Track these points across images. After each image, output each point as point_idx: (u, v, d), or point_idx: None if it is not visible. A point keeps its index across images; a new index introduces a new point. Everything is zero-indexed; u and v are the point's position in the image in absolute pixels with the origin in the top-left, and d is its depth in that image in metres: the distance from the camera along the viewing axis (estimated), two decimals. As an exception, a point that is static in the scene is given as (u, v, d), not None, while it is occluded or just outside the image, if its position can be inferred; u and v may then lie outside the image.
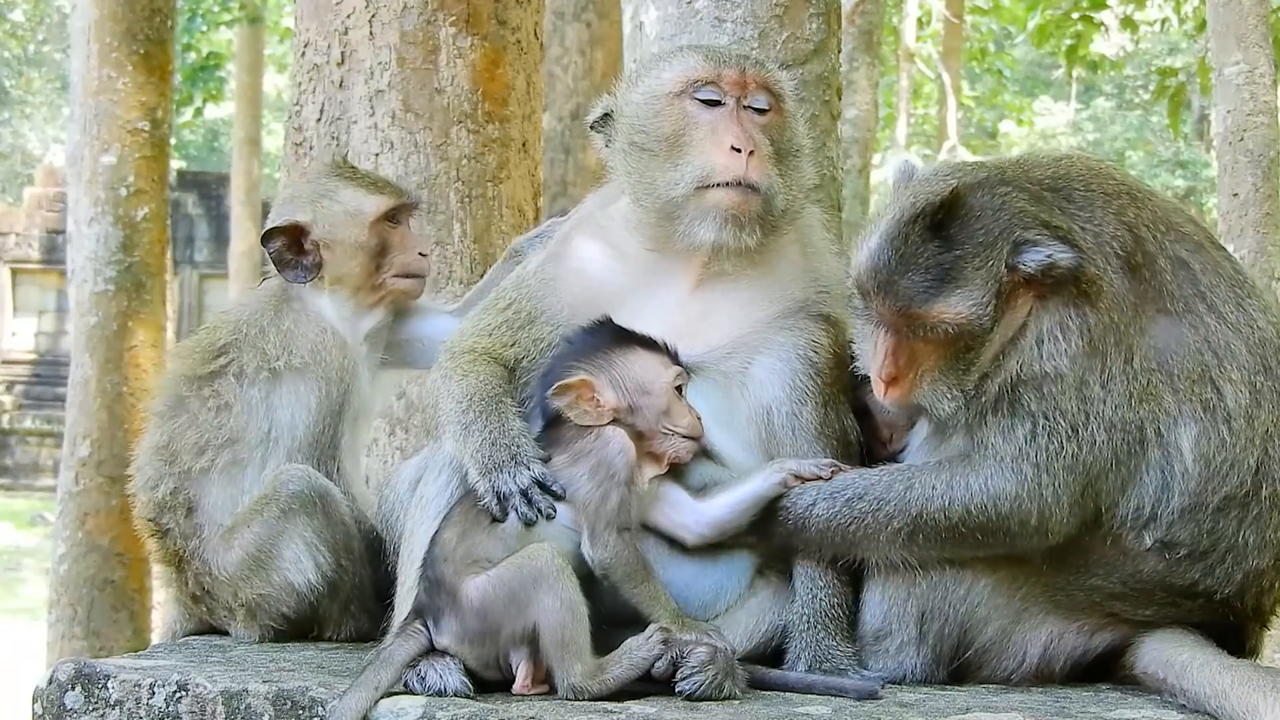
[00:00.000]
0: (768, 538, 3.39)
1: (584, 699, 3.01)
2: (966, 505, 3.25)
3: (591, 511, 3.19)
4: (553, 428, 3.35)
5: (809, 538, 3.37)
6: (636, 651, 3.05)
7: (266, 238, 4.04)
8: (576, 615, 3.05)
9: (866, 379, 3.71)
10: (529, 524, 3.17)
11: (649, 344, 3.37)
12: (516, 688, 3.08)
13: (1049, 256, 3.25)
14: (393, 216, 4.12)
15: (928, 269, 3.29)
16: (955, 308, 3.28)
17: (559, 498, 3.20)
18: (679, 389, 3.36)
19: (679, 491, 3.35)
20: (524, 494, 3.21)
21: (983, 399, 3.31)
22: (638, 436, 3.29)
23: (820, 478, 3.33)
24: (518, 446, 3.31)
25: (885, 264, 3.31)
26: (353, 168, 4.29)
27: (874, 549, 3.35)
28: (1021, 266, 3.26)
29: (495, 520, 3.20)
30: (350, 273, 4.06)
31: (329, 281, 4.05)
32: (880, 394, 3.43)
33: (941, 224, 3.30)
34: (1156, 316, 3.30)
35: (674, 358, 3.38)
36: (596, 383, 3.30)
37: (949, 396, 3.34)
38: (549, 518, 3.18)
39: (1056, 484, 3.22)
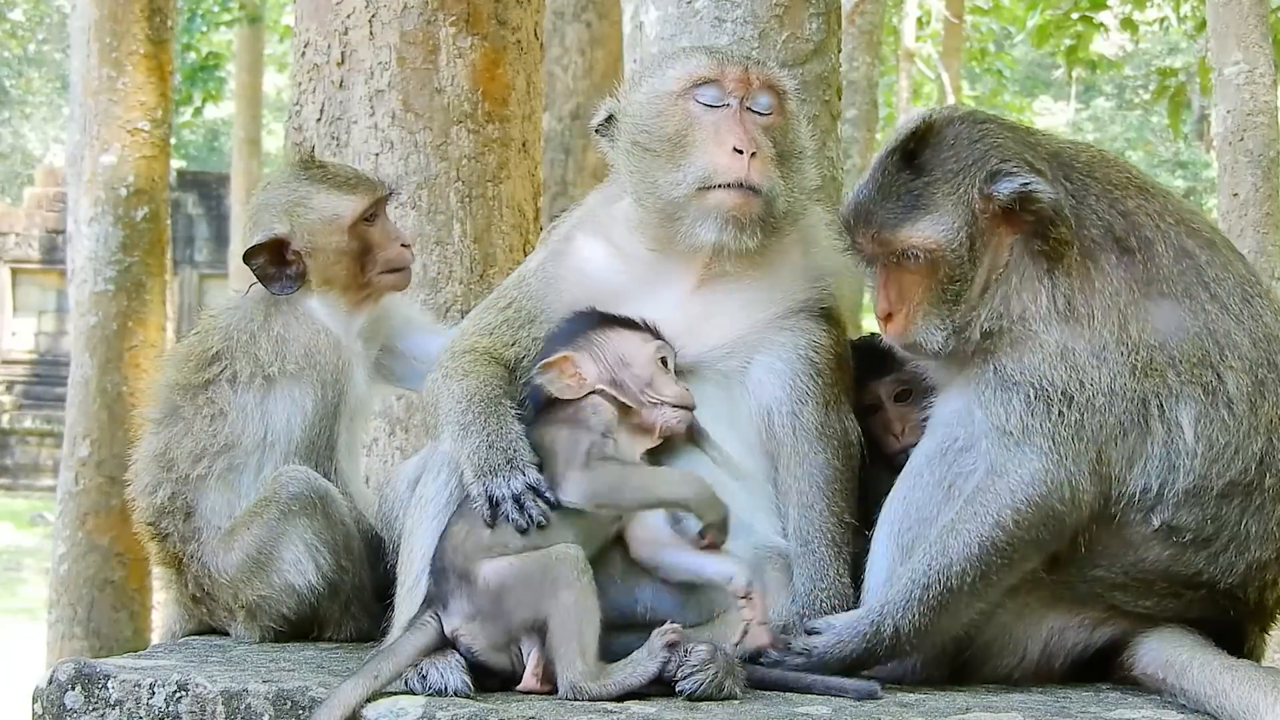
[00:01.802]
0: (872, 667, 3.30)
1: (583, 699, 3.01)
2: (1015, 506, 3.22)
3: (561, 460, 3.22)
4: (543, 411, 3.37)
5: (903, 652, 3.30)
6: (643, 658, 3.05)
7: (248, 256, 4.00)
8: (589, 616, 3.05)
9: (872, 377, 3.74)
10: (521, 530, 3.15)
11: (627, 323, 3.40)
12: (526, 677, 3.07)
13: (1025, 185, 3.28)
14: (369, 215, 4.08)
15: (899, 196, 3.36)
16: (924, 233, 3.33)
17: (552, 505, 3.19)
18: (663, 362, 3.37)
19: (660, 519, 3.31)
20: (516, 499, 3.18)
21: (969, 342, 3.34)
22: (623, 409, 3.32)
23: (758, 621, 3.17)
24: (514, 451, 3.29)
25: (865, 196, 3.40)
26: (321, 166, 4.19)
27: (960, 618, 3.27)
28: (996, 194, 3.30)
29: (487, 525, 3.20)
30: (337, 276, 4.03)
31: (316, 285, 4.02)
32: (883, 333, 3.50)
33: (914, 152, 3.38)
34: (1155, 297, 3.31)
35: (655, 334, 3.40)
36: (576, 357, 3.33)
37: (939, 329, 3.37)
38: (540, 526, 3.16)
39: (1074, 452, 3.22)
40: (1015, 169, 3.31)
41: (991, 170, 3.32)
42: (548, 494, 3.20)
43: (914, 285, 3.39)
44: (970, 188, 3.33)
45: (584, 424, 3.29)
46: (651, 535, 3.29)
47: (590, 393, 3.33)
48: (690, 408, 3.38)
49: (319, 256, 4.01)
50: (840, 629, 3.30)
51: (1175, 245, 3.37)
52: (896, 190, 3.37)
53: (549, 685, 3.08)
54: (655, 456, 3.40)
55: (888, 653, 3.29)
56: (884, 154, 3.43)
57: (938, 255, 3.34)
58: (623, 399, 3.33)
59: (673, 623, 3.13)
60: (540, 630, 3.06)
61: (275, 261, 4.01)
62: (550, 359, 3.35)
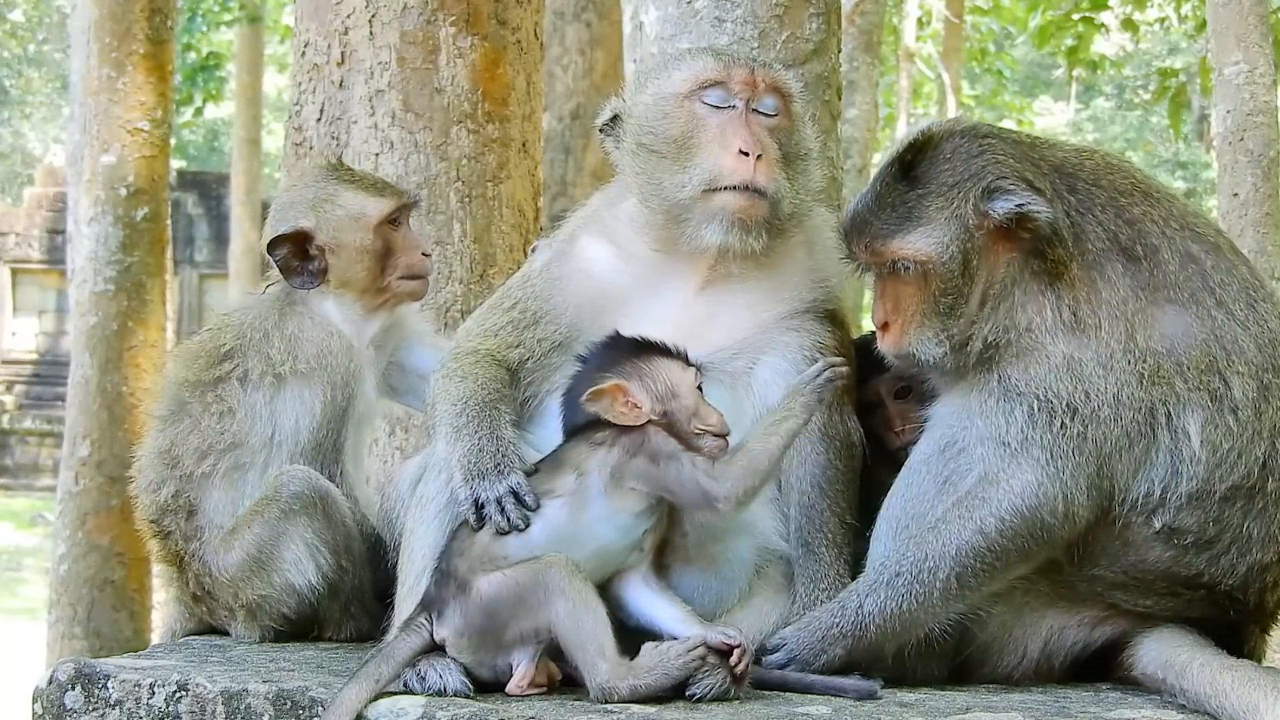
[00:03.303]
0: (830, 660, 3.28)
1: (614, 700, 2.99)
2: (1000, 516, 3.23)
3: (677, 481, 3.19)
4: (583, 431, 3.30)
5: (872, 640, 3.27)
6: (673, 661, 3.03)
7: (272, 246, 4.03)
8: (593, 615, 3.04)
9: (873, 374, 3.75)
10: (502, 533, 3.16)
11: (665, 350, 3.36)
12: (511, 687, 3.07)
13: (1020, 206, 3.29)
14: (394, 218, 4.11)
15: (894, 207, 3.39)
16: (915, 244, 3.35)
17: (531, 509, 3.19)
18: (700, 389, 3.35)
19: (648, 570, 3.28)
20: (498, 503, 3.19)
21: (969, 355, 3.35)
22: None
23: (729, 644, 3.07)
24: (503, 455, 3.30)
25: (862, 206, 3.45)
26: (350, 169, 4.26)
27: (934, 615, 3.27)
28: (991, 212, 3.30)
29: (472, 529, 3.20)
30: (356, 276, 4.05)
31: (334, 285, 4.04)
32: (880, 343, 3.50)
33: (912, 164, 3.40)
34: (1163, 304, 3.32)
35: (687, 359, 3.36)
36: (629, 386, 3.27)
37: (935, 342, 3.38)
38: (520, 530, 3.16)
39: (1072, 465, 3.22)
40: (1012, 186, 3.31)
41: (988, 187, 3.32)
42: (528, 498, 3.20)
43: (909, 296, 3.41)
44: (964, 203, 3.34)
45: (663, 452, 3.22)
46: (631, 581, 3.25)
47: (647, 422, 3.26)
48: (729, 434, 3.35)
49: (341, 254, 4.02)
50: (797, 627, 3.31)
51: (1181, 251, 3.37)
52: (891, 201, 3.39)
53: (542, 689, 3.08)
54: None
55: (857, 639, 3.26)
56: (884, 164, 3.45)
57: (929, 267, 3.35)
58: (671, 430, 3.28)
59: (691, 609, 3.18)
60: (536, 640, 3.06)
61: (297, 255, 4.02)
62: (601, 387, 3.27)
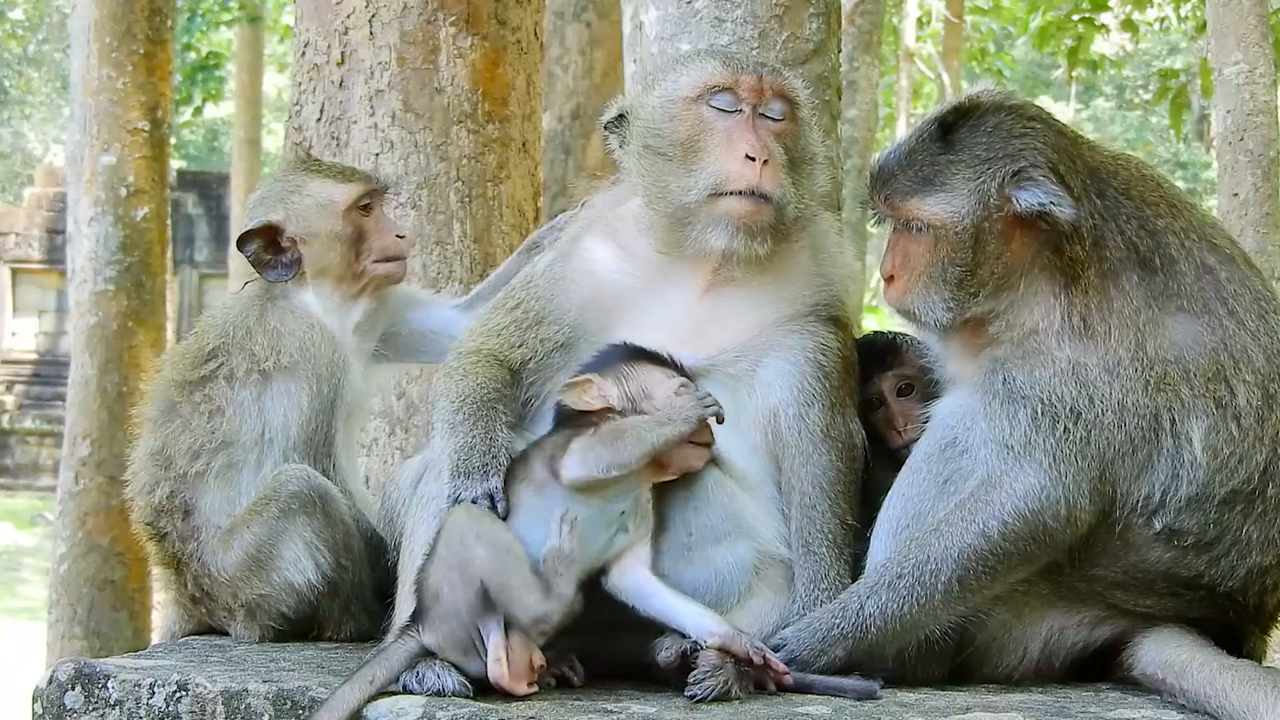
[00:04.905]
0: (830, 661, 3.27)
1: (547, 628, 2.98)
2: (1002, 519, 3.23)
3: (565, 450, 3.20)
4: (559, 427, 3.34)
5: (872, 641, 3.27)
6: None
7: (242, 242, 4.03)
8: (511, 553, 3.04)
9: (875, 372, 3.75)
10: None
11: (655, 358, 3.38)
12: (494, 676, 3.00)
13: (1043, 203, 3.27)
14: (364, 204, 4.11)
15: (921, 166, 3.38)
16: (932, 208, 3.34)
17: (500, 518, 3.18)
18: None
19: (645, 551, 3.28)
20: (474, 504, 3.20)
21: (966, 327, 3.35)
22: None
23: (750, 660, 3.10)
24: (491, 456, 3.31)
25: (892, 158, 3.43)
26: (317, 160, 4.27)
27: (935, 617, 3.27)
28: (1014, 199, 3.29)
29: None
30: (330, 264, 4.05)
31: (311, 276, 4.04)
32: (884, 294, 3.52)
33: (951, 127, 3.38)
34: (1175, 313, 3.31)
35: (679, 369, 3.38)
36: (600, 381, 3.31)
37: (937, 307, 3.38)
38: None
39: (1075, 470, 3.21)
40: (1043, 178, 3.29)
41: (1019, 172, 3.30)
42: (500, 506, 3.20)
43: (918, 256, 3.41)
44: (991, 181, 3.32)
45: (620, 431, 3.24)
46: (632, 574, 3.25)
47: (608, 409, 3.29)
48: (711, 444, 3.35)
49: (313, 242, 4.03)
50: (797, 627, 3.31)
51: (1198, 262, 3.37)
52: (921, 160, 3.39)
53: (526, 680, 3.03)
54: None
55: (858, 640, 3.26)
56: (926, 120, 3.45)
57: (941, 233, 3.35)
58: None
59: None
60: (483, 607, 3.02)
61: (269, 249, 4.03)
62: (574, 380, 3.34)
